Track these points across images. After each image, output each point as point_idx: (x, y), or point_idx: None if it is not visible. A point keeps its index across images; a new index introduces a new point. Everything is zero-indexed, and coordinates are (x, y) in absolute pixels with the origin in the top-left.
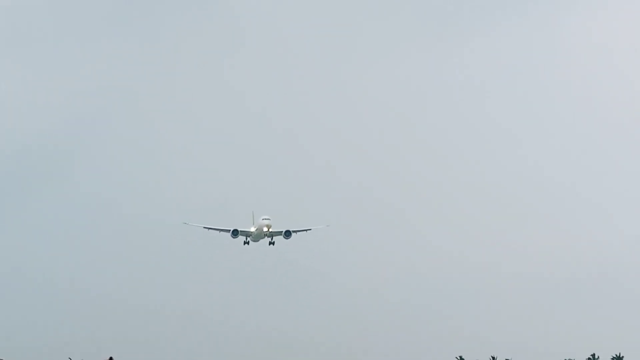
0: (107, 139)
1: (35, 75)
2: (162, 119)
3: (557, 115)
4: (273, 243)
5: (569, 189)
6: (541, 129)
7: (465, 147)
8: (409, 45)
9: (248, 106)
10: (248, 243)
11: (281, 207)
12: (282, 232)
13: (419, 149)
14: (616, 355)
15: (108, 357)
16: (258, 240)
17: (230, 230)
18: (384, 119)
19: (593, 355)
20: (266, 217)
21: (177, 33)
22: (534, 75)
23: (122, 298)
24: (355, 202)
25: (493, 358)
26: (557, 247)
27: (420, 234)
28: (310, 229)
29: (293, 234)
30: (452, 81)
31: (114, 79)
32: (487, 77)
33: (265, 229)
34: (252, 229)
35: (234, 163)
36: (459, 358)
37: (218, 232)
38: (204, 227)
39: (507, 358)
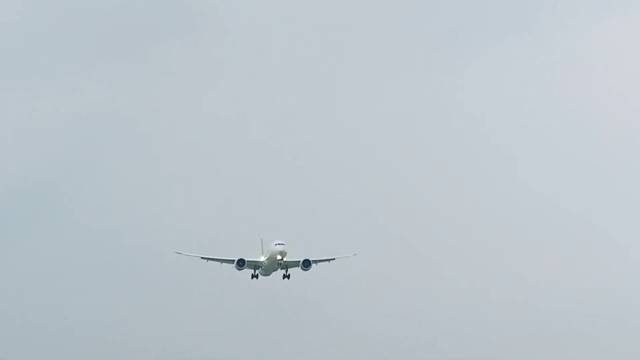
0: (98, 169)
1: (16, 108)
2: (156, 146)
3: (565, 142)
4: (288, 276)
5: (580, 219)
6: (547, 155)
7: (470, 176)
8: (404, 67)
9: (246, 131)
10: (257, 276)
11: (293, 235)
12: (299, 262)
13: (419, 175)
14: None
15: None
16: (269, 273)
17: (234, 260)
18: (379, 144)
19: None
20: (280, 242)
21: (169, 59)
22: (538, 99)
23: (111, 341)
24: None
25: None
26: (569, 280)
27: (432, 268)
28: (333, 259)
29: (313, 265)
30: (451, 104)
31: (103, 109)
32: (488, 100)
33: (278, 257)
34: (262, 259)
35: (235, 189)
36: None
37: (219, 263)
38: (202, 258)
39: None
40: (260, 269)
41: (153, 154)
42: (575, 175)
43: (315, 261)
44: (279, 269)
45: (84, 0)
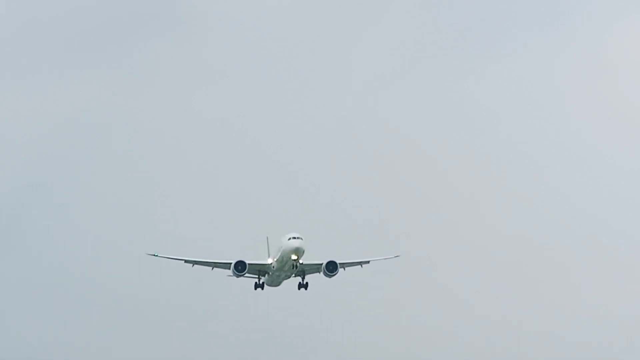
0: (81, 172)
1: None
2: (142, 148)
3: (590, 145)
4: (305, 285)
5: (606, 223)
6: (573, 159)
7: (491, 181)
8: (421, 66)
9: (243, 132)
10: (262, 286)
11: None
12: (320, 265)
13: (433, 180)
14: None
15: None
16: (279, 282)
17: (231, 264)
18: (392, 147)
19: None
20: (296, 235)
21: (154, 60)
22: (561, 100)
23: None
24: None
25: None
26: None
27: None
28: (367, 262)
29: (340, 269)
30: (471, 105)
31: (86, 111)
32: (509, 101)
33: (293, 257)
34: (270, 261)
35: (230, 191)
36: None
37: (210, 268)
38: (186, 261)
39: None
40: (267, 275)
41: (138, 156)
42: (601, 179)
43: (343, 265)
44: (293, 276)
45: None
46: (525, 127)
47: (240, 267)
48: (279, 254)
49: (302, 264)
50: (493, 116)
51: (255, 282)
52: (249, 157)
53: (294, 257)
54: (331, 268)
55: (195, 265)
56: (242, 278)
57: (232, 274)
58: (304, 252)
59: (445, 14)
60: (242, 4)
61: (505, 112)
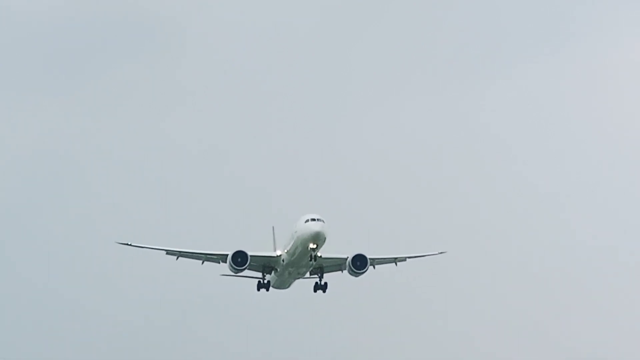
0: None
1: None
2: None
3: (599, 172)
4: (324, 286)
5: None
6: (579, 188)
7: (493, 211)
8: (417, 86)
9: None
10: (267, 286)
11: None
12: (345, 259)
13: (428, 206)
14: None
15: None
16: (290, 281)
17: (227, 255)
18: (385, 172)
19: None
20: (315, 216)
21: (122, 83)
22: (565, 123)
23: None
24: None
25: None
26: None
27: None
28: (404, 259)
29: (369, 266)
30: (469, 131)
31: (50, 141)
32: (512, 124)
33: (311, 246)
34: (279, 252)
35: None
36: None
37: (200, 262)
38: (168, 252)
39: None
40: (274, 272)
41: (108, 185)
42: (607, 205)
43: (373, 261)
44: (308, 273)
45: (26, 20)
46: (526, 148)
47: (240, 260)
48: (292, 243)
49: (321, 257)
50: (493, 136)
51: (259, 281)
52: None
53: (312, 245)
54: (359, 264)
55: (180, 258)
56: (241, 276)
57: (228, 269)
58: (325, 239)
59: (442, 33)
60: (218, 25)
61: (506, 133)
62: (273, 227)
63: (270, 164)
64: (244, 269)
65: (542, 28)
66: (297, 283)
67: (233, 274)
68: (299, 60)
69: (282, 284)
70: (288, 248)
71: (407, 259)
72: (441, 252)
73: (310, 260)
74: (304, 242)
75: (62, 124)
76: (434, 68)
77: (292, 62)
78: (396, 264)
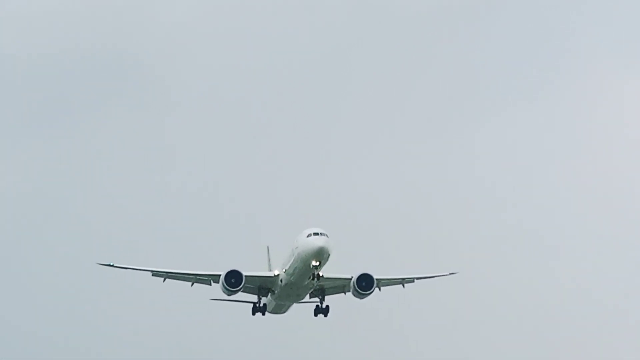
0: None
1: None
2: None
3: (588, 217)
4: (326, 310)
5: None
6: (570, 232)
7: (483, 254)
8: (406, 129)
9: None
10: (263, 309)
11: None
12: (349, 280)
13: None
14: None
15: None
16: (289, 304)
17: (219, 276)
18: (375, 215)
19: None
20: (318, 230)
21: (106, 131)
22: (558, 166)
23: None
24: None
25: None
26: None
27: None
28: (412, 280)
29: (374, 288)
30: (457, 177)
31: (32, 190)
32: (502, 168)
33: (314, 263)
34: (276, 272)
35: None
36: None
37: (190, 283)
38: (154, 274)
39: None
40: (271, 294)
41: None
42: (595, 248)
43: (379, 282)
44: (307, 295)
45: (9, 64)
46: (519, 194)
47: (234, 280)
48: (292, 261)
49: (322, 277)
50: (485, 183)
51: (254, 304)
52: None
53: (315, 262)
54: (364, 284)
55: (168, 280)
56: (233, 300)
57: (221, 291)
58: (329, 255)
59: (433, 77)
60: (200, 68)
61: (499, 180)
62: (268, 247)
63: (262, 187)
64: (238, 291)
65: (532, 72)
66: (295, 308)
67: (226, 296)
68: (286, 101)
69: (279, 309)
70: (287, 267)
71: (416, 280)
72: (452, 273)
73: (312, 279)
74: (306, 259)
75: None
76: (425, 111)
77: (277, 102)
78: (403, 285)
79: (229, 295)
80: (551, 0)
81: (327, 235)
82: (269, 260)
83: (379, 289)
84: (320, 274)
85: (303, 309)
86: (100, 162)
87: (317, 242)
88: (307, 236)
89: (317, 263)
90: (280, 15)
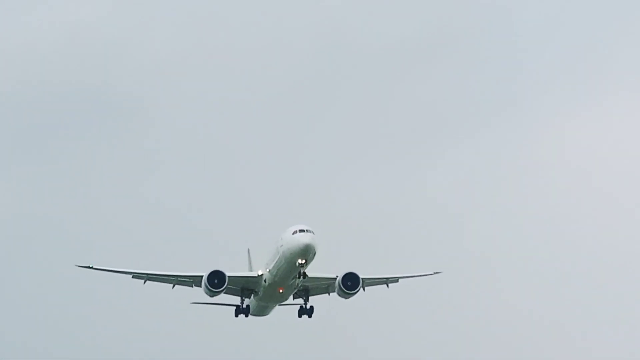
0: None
1: None
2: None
3: (547, 246)
4: (310, 311)
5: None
6: (530, 264)
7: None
8: (370, 156)
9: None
10: (246, 311)
11: None
12: (333, 280)
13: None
14: None
15: None
16: (271, 305)
17: (201, 277)
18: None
19: None
20: (304, 227)
21: (88, 158)
22: (520, 195)
23: None
24: None
25: None
26: None
27: None
28: (396, 280)
29: (360, 288)
30: (423, 198)
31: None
32: (465, 194)
33: (300, 261)
34: (260, 273)
35: None
36: None
37: (171, 286)
38: (134, 276)
39: None
40: (254, 295)
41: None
42: (559, 280)
43: (364, 281)
44: (292, 295)
45: None
46: (480, 221)
47: (217, 281)
48: (276, 259)
49: (307, 276)
50: (447, 210)
51: (237, 306)
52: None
53: (300, 260)
54: (350, 284)
55: (149, 282)
56: (215, 303)
57: (203, 292)
58: (315, 253)
59: (395, 110)
60: (181, 99)
61: (461, 207)
62: (249, 250)
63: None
64: (221, 292)
65: (486, 104)
66: (278, 310)
67: (209, 296)
68: (261, 129)
69: (262, 310)
70: (271, 266)
71: (400, 280)
72: (436, 272)
73: (298, 277)
74: (292, 257)
75: (30, 177)
76: (388, 142)
77: (252, 131)
78: (387, 285)
79: (211, 296)
80: (502, 40)
81: (312, 232)
82: (250, 262)
83: (363, 289)
84: (306, 273)
85: (286, 311)
86: (82, 173)
87: (303, 239)
88: (293, 233)
89: (303, 261)
90: (257, 52)
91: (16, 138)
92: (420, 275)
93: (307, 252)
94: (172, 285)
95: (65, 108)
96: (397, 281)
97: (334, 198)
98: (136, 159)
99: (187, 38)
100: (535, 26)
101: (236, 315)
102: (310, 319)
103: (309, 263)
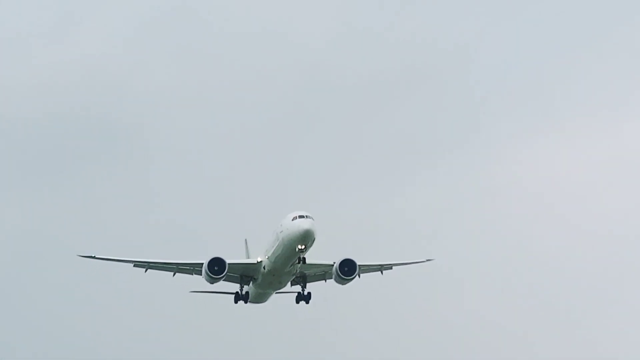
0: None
1: None
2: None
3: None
4: (307, 297)
5: None
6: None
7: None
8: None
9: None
10: (245, 297)
11: None
12: (330, 266)
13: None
14: None
15: None
16: (269, 292)
17: (202, 264)
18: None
19: None
20: (303, 213)
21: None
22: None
23: None
24: None
25: None
26: None
27: None
28: (390, 267)
29: (357, 274)
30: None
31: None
32: (431, 219)
33: (299, 247)
34: (259, 259)
35: None
36: None
37: (172, 274)
38: (136, 265)
39: None
40: (252, 282)
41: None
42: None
43: (365, 267)
44: (290, 282)
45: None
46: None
47: (217, 268)
48: (276, 245)
49: (306, 262)
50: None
51: (237, 292)
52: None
53: (300, 246)
54: (347, 270)
55: (150, 271)
56: (214, 292)
57: (204, 279)
58: (314, 239)
59: (373, 133)
60: (178, 129)
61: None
62: (246, 240)
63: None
64: (221, 279)
65: (450, 131)
66: (275, 297)
67: (209, 283)
68: (251, 152)
69: (260, 298)
70: (270, 252)
71: (394, 267)
72: (428, 260)
73: (298, 262)
74: (292, 243)
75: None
76: (367, 164)
77: (242, 154)
78: (382, 272)
79: (212, 283)
80: (463, 75)
81: (312, 218)
82: (247, 252)
83: (359, 276)
84: (305, 258)
85: (283, 299)
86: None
87: (303, 224)
88: (292, 219)
89: (303, 246)
90: (246, 87)
91: (33, 158)
92: (413, 262)
93: (307, 238)
94: (172, 273)
95: (76, 134)
96: (390, 268)
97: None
98: (137, 174)
99: (183, 75)
100: (492, 61)
101: (235, 302)
102: (307, 304)
103: (308, 249)
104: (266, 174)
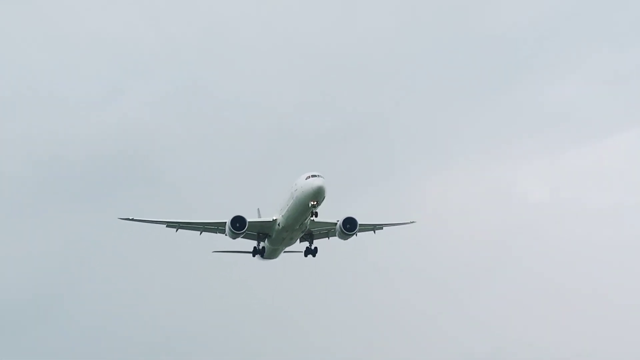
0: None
1: None
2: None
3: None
4: (314, 251)
5: None
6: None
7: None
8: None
9: None
10: (262, 252)
11: None
12: (334, 224)
13: None
14: None
15: None
16: (279, 250)
17: (225, 223)
18: None
19: None
20: (315, 173)
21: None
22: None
23: None
24: None
25: None
26: None
27: None
28: (381, 227)
29: (357, 230)
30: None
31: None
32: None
33: (311, 203)
34: (275, 217)
35: None
36: None
37: (199, 232)
38: (168, 225)
39: None
40: (269, 238)
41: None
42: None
43: (365, 226)
44: (298, 237)
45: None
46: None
47: (238, 225)
48: (291, 203)
49: (313, 221)
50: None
51: (255, 247)
52: None
53: (312, 202)
54: (349, 226)
55: (180, 230)
56: (234, 252)
57: (227, 235)
58: (324, 196)
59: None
60: (187, 162)
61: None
62: (258, 209)
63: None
64: (242, 234)
65: (376, 168)
66: (284, 256)
67: (231, 239)
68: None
69: (273, 253)
70: (285, 210)
71: (384, 227)
72: (412, 222)
73: (311, 216)
74: (305, 199)
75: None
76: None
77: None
78: (374, 231)
79: (234, 238)
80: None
81: (323, 177)
82: (260, 219)
83: (356, 235)
84: (317, 219)
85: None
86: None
87: (316, 182)
88: (306, 178)
89: (315, 202)
90: (231, 135)
91: (92, 177)
92: (400, 224)
93: (319, 194)
94: (199, 232)
95: (116, 166)
96: (381, 228)
97: None
98: (161, 191)
99: (191, 129)
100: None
101: (253, 255)
102: (314, 258)
103: (319, 204)
104: (256, 182)
